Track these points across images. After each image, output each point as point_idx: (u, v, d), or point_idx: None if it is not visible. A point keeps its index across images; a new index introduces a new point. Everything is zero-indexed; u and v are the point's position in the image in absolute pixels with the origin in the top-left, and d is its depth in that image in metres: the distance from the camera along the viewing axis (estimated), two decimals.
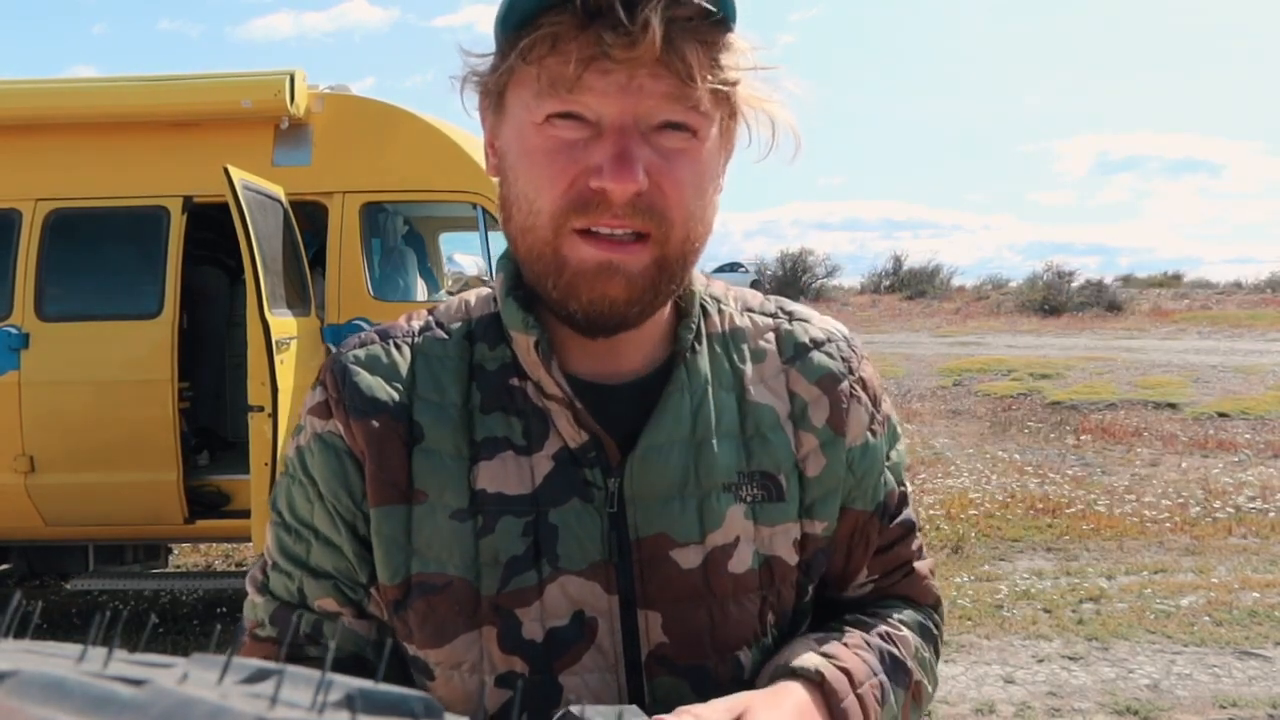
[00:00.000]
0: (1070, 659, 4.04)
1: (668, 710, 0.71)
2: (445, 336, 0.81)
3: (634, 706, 0.58)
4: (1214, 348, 13.67)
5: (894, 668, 0.79)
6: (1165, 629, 4.34)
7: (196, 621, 4.86)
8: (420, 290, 5.16)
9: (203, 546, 5.90)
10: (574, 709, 0.54)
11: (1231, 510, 6.36)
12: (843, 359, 0.85)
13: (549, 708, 0.74)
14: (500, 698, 0.75)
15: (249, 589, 0.82)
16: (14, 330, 4.39)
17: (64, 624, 4.75)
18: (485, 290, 0.86)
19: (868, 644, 0.79)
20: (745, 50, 0.72)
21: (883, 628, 0.82)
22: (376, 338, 0.82)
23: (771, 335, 0.85)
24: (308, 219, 4.80)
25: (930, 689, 0.85)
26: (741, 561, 0.77)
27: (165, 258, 4.48)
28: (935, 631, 0.88)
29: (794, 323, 0.86)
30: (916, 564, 0.88)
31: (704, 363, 0.81)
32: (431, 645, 0.76)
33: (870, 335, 16.81)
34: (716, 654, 0.76)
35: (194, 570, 5.59)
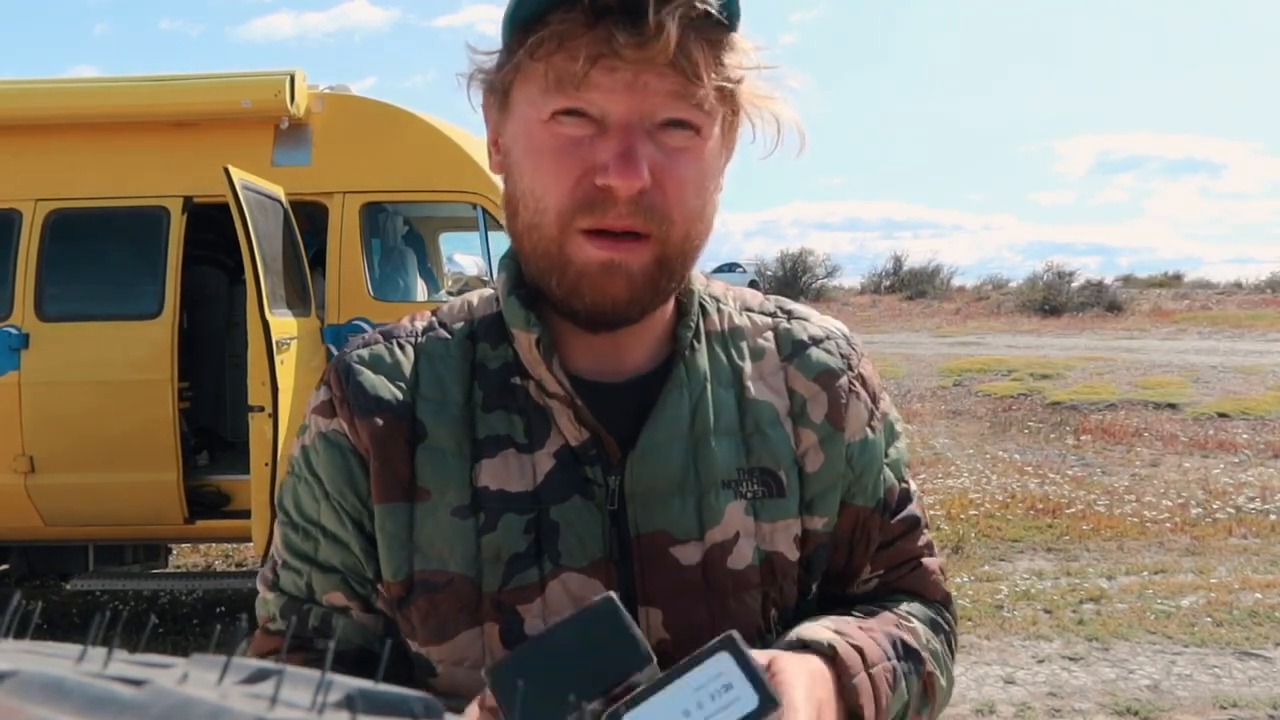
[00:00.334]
0: (1070, 659, 4.04)
1: None
2: (448, 336, 0.82)
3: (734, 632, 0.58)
4: (1214, 348, 13.67)
5: (906, 654, 0.79)
6: (1165, 629, 4.34)
7: (196, 622, 4.87)
8: (420, 290, 5.16)
9: (203, 547, 5.90)
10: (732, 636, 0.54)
11: (1232, 511, 6.36)
12: (841, 355, 0.85)
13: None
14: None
15: (259, 587, 0.83)
16: (14, 330, 4.39)
17: (64, 624, 4.75)
18: (488, 291, 0.86)
19: (880, 628, 0.79)
20: (749, 49, 0.73)
21: (893, 615, 0.82)
22: (380, 338, 0.83)
23: (770, 333, 0.85)
24: (308, 219, 4.80)
25: (944, 683, 0.84)
26: (741, 558, 0.77)
27: (165, 258, 4.48)
28: (946, 627, 0.88)
29: (793, 321, 0.87)
30: (924, 560, 0.88)
31: (703, 361, 0.82)
32: (434, 642, 0.76)
33: (870, 335, 16.81)
34: None
35: (194, 570, 5.59)
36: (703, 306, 0.85)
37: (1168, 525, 6.08)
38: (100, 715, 0.20)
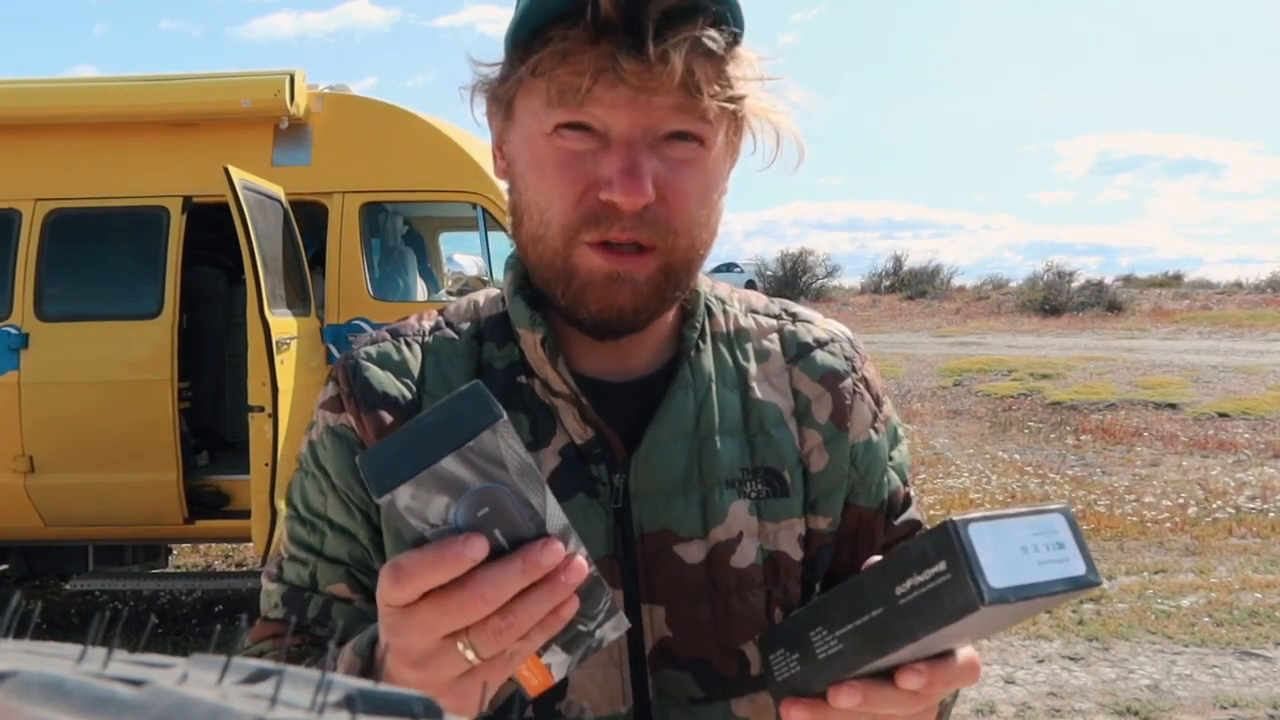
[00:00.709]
0: (1070, 659, 4.04)
1: (673, 705, 0.76)
2: (455, 336, 0.83)
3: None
4: (1214, 348, 13.68)
5: None
6: (1166, 629, 4.34)
7: (196, 622, 4.87)
8: (420, 290, 5.16)
9: (202, 547, 5.90)
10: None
11: (1232, 510, 6.36)
12: (845, 358, 0.86)
13: (552, 702, 0.75)
14: (505, 690, 0.76)
15: (264, 580, 0.84)
16: (14, 330, 4.39)
17: (63, 624, 4.75)
18: (494, 291, 0.87)
19: None
20: (752, 61, 0.73)
21: None
22: (388, 335, 0.84)
23: (775, 335, 0.86)
24: (308, 219, 4.80)
25: None
26: (745, 556, 0.78)
27: (165, 258, 4.48)
28: None
29: (798, 323, 0.87)
30: None
31: (708, 361, 0.82)
32: None
33: (870, 335, 16.82)
34: (720, 648, 0.77)
35: (193, 570, 5.59)
36: (708, 308, 0.85)
37: (1168, 525, 6.08)
38: (100, 715, 0.20)
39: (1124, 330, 16.58)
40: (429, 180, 4.65)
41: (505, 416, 0.51)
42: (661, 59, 0.67)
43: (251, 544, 4.34)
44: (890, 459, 0.87)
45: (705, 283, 0.86)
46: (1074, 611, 4.57)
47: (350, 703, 0.22)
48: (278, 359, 3.80)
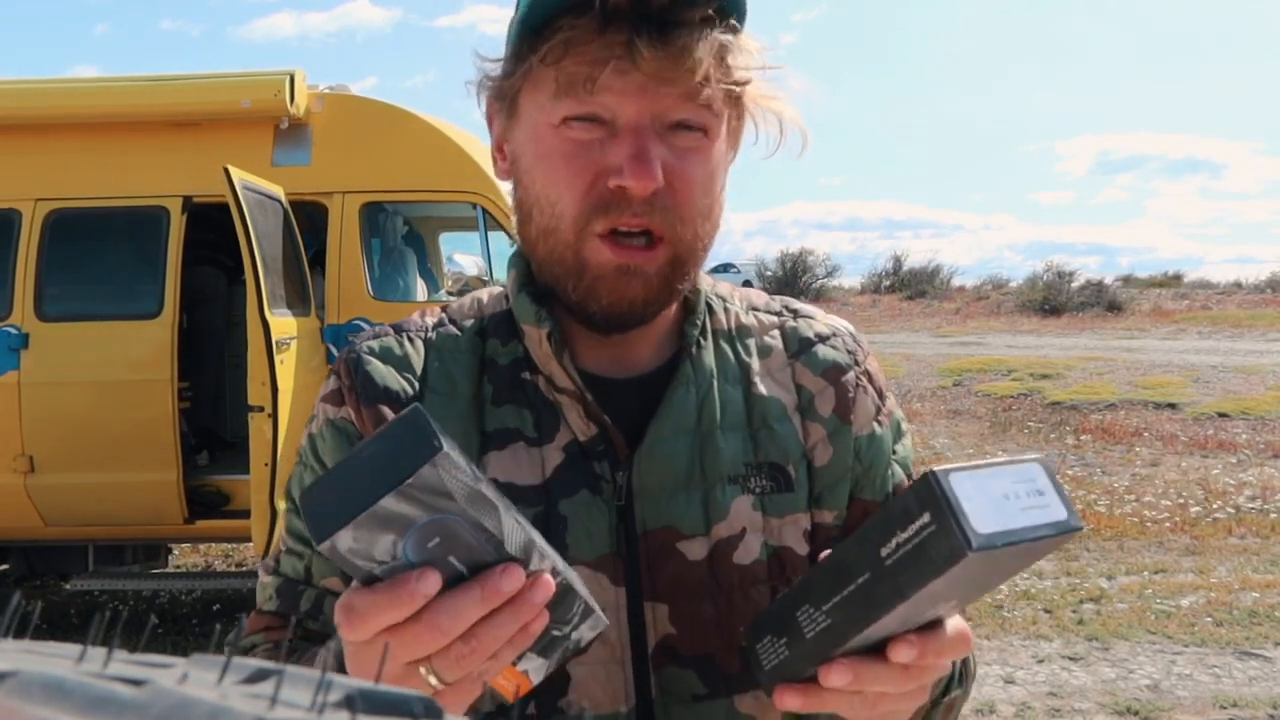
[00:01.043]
0: (1070, 659, 4.04)
1: (676, 702, 0.76)
2: (458, 333, 0.83)
3: None
4: (1214, 348, 13.67)
5: None
6: (1165, 629, 4.34)
7: (196, 622, 4.87)
8: (420, 290, 5.16)
9: (202, 547, 5.90)
10: None
11: (1231, 510, 6.36)
12: (848, 351, 0.86)
13: (554, 699, 0.75)
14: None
15: (261, 573, 0.84)
16: (14, 330, 4.39)
17: (63, 624, 4.75)
18: (497, 289, 0.87)
19: None
20: (754, 51, 0.74)
21: None
22: (391, 330, 0.84)
23: (777, 331, 0.86)
24: (308, 219, 4.80)
25: (973, 666, 0.85)
26: (749, 553, 0.78)
27: (165, 258, 4.48)
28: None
29: (799, 319, 0.88)
30: None
31: (709, 358, 0.82)
32: None
33: (870, 335, 16.79)
34: (724, 644, 0.77)
35: (193, 570, 5.59)
36: (709, 305, 0.86)
37: (1167, 525, 6.08)
38: (100, 715, 0.20)
39: (1124, 330, 16.58)
40: (429, 180, 4.65)
41: (445, 448, 0.48)
42: (682, 52, 0.68)
43: (251, 544, 4.34)
44: (894, 452, 0.87)
45: (706, 281, 0.86)
46: (1074, 611, 4.57)
47: (350, 703, 0.22)
48: (277, 359, 3.80)
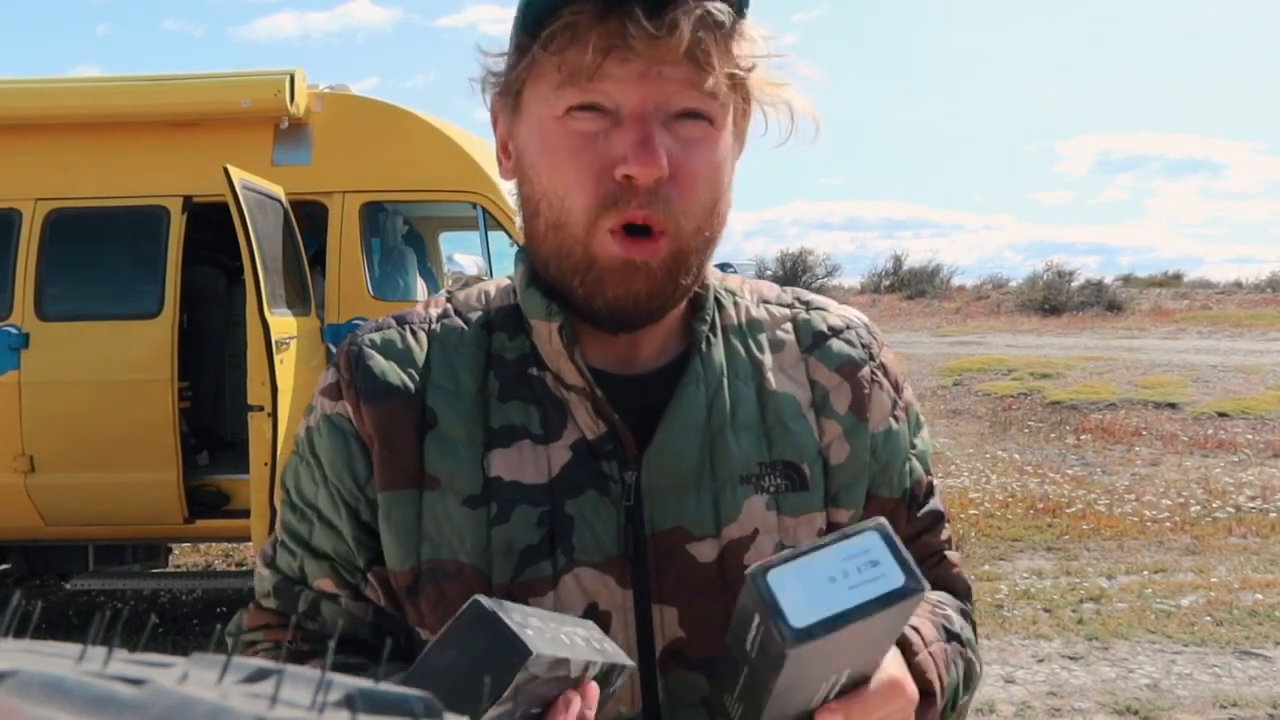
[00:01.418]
0: (1070, 659, 4.04)
1: (684, 706, 0.75)
2: (463, 325, 0.81)
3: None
4: (1214, 347, 13.67)
5: (949, 637, 0.79)
6: (1165, 629, 4.34)
7: (196, 621, 4.87)
8: (420, 290, 5.16)
9: (202, 546, 5.90)
10: (482, 599, 0.53)
11: (1232, 510, 6.36)
12: (862, 345, 0.84)
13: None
14: None
15: (258, 561, 0.84)
16: (14, 330, 4.39)
17: (63, 624, 4.75)
18: (504, 281, 0.86)
19: (924, 612, 0.79)
20: (758, 39, 0.73)
21: (927, 604, 0.82)
22: (394, 323, 0.82)
23: (789, 325, 0.84)
24: (308, 219, 4.80)
25: (979, 669, 0.84)
26: (760, 554, 0.75)
27: (165, 258, 4.49)
28: (973, 620, 0.88)
29: (811, 311, 0.86)
30: (947, 554, 0.87)
31: (719, 355, 0.81)
32: None
33: None
34: None
35: (194, 570, 5.59)
36: (718, 300, 0.84)
37: (1168, 524, 6.08)
38: (100, 715, 0.20)
39: (1124, 330, 16.58)
40: (429, 180, 4.65)
41: (532, 649, 0.49)
42: (669, 28, 0.67)
43: (251, 543, 4.34)
44: (913, 446, 0.85)
45: (715, 275, 0.84)
46: (1074, 611, 4.57)
47: (350, 702, 0.22)
48: (277, 359, 3.81)
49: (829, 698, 0.61)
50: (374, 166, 4.63)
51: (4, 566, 4.80)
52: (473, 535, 0.74)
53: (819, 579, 0.53)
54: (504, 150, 0.79)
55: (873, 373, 0.83)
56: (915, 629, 0.74)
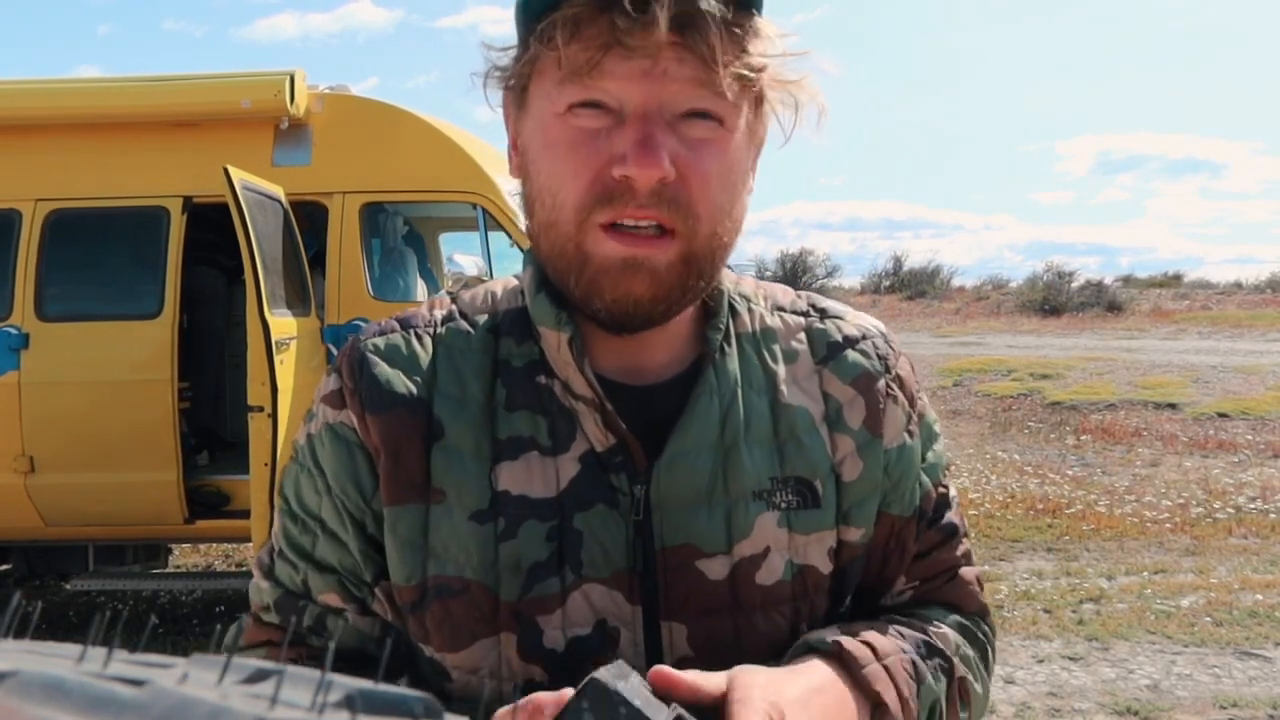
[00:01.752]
0: (1070, 659, 4.04)
1: None
2: (469, 330, 0.78)
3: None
4: (1214, 348, 13.67)
5: (929, 653, 0.76)
6: (1165, 629, 4.34)
7: (196, 622, 4.87)
8: (420, 290, 5.16)
9: (202, 547, 5.90)
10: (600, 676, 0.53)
11: (1232, 510, 6.36)
12: (879, 356, 0.82)
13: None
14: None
15: (255, 571, 0.81)
16: (14, 330, 4.39)
17: (63, 624, 4.75)
18: (511, 282, 0.83)
19: (899, 630, 0.77)
20: (772, 37, 0.70)
21: (917, 622, 0.80)
22: (398, 326, 0.79)
23: (803, 335, 0.82)
24: (308, 219, 4.80)
25: (979, 690, 0.81)
26: (771, 572, 0.74)
27: (165, 258, 4.49)
28: (983, 638, 0.84)
29: (826, 320, 0.83)
30: (961, 570, 0.84)
31: (733, 364, 0.78)
32: (449, 649, 0.73)
33: None
34: None
35: (194, 570, 5.59)
36: (732, 306, 0.81)
37: (1168, 525, 6.08)
38: (100, 715, 0.20)
39: (1124, 330, 16.57)
40: (429, 180, 4.65)
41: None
42: (685, 31, 0.64)
43: (251, 544, 4.34)
44: (925, 460, 0.83)
45: (729, 279, 0.81)
46: (1074, 611, 4.57)
47: (350, 702, 0.22)
48: (277, 359, 3.81)
49: None
50: (374, 167, 4.63)
51: (4, 567, 4.80)
52: (480, 551, 0.72)
53: None
54: (514, 147, 0.76)
55: (888, 386, 0.81)
56: (868, 643, 0.72)
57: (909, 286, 27.46)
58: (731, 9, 0.66)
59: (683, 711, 0.53)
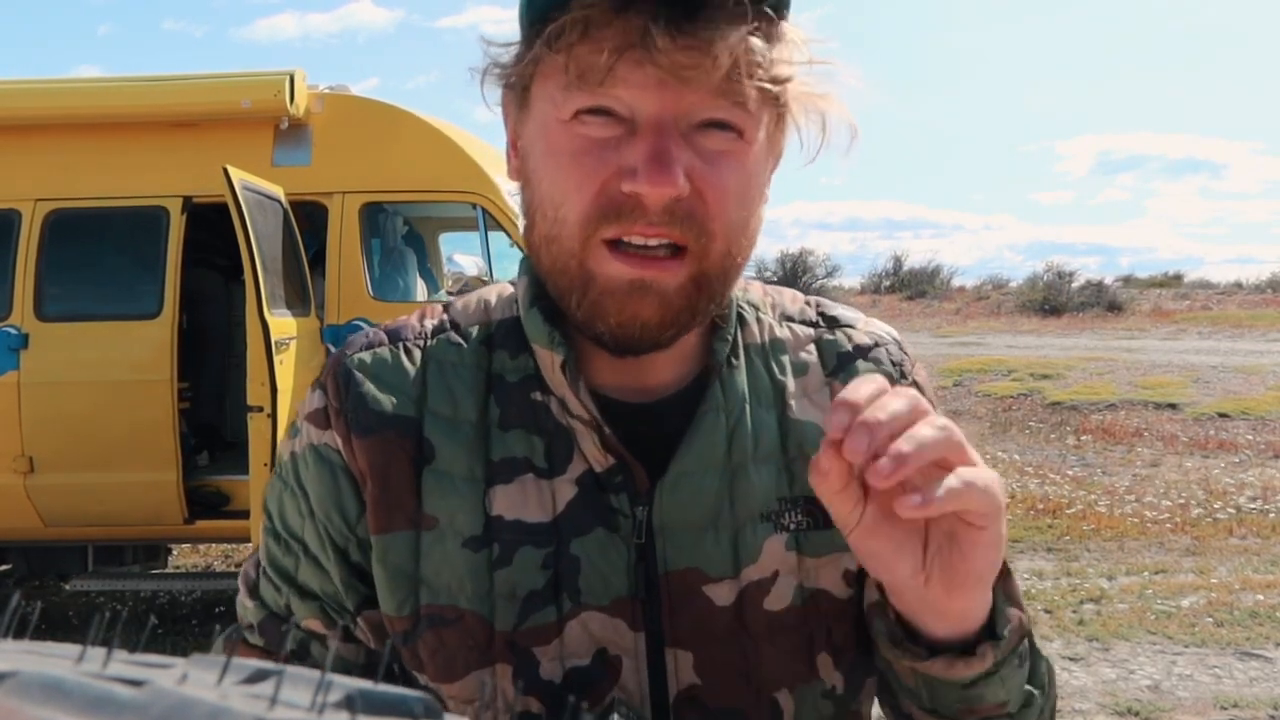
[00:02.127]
0: (1071, 659, 4.04)
1: None
2: (462, 342, 0.74)
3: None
4: (1214, 348, 13.67)
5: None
6: (1166, 630, 4.34)
7: (195, 622, 4.87)
8: (420, 290, 5.17)
9: (202, 547, 5.90)
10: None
11: (1232, 511, 6.36)
12: (893, 363, 0.78)
13: None
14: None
15: (241, 586, 0.78)
16: (13, 330, 4.39)
17: (63, 624, 4.75)
18: (507, 288, 0.78)
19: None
20: (798, 42, 0.65)
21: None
22: (385, 339, 0.75)
23: (813, 346, 0.78)
24: (307, 219, 4.80)
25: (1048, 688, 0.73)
26: (780, 598, 0.70)
27: (165, 258, 4.49)
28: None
29: (836, 331, 0.79)
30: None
31: (741, 379, 0.74)
32: (443, 680, 0.70)
33: None
34: (753, 696, 0.70)
35: (193, 571, 5.59)
36: (740, 315, 0.76)
37: (1168, 525, 6.08)
38: (100, 715, 0.20)
39: (1124, 330, 16.57)
40: (429, 180, 4.65)
41: None
42: (708, 38, 0.59)
43: (250, 544, 4.34)
44: None
45: (737, 286, 0.76)
46: (1074, 612, 4.57)
47: (350, 702, 0.22)
48: (277, 359, 3.81)
49: None
50: (374, 167, 4.63)
51: (4, 567, 4.80)
52: (474, 580, 0.69)
53: None
54: (513, 148, 0.72)
55: None
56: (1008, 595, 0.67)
57: (909, 286, 27.47)
58: (759, 13, 0.62)
59: None
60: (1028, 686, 0.69)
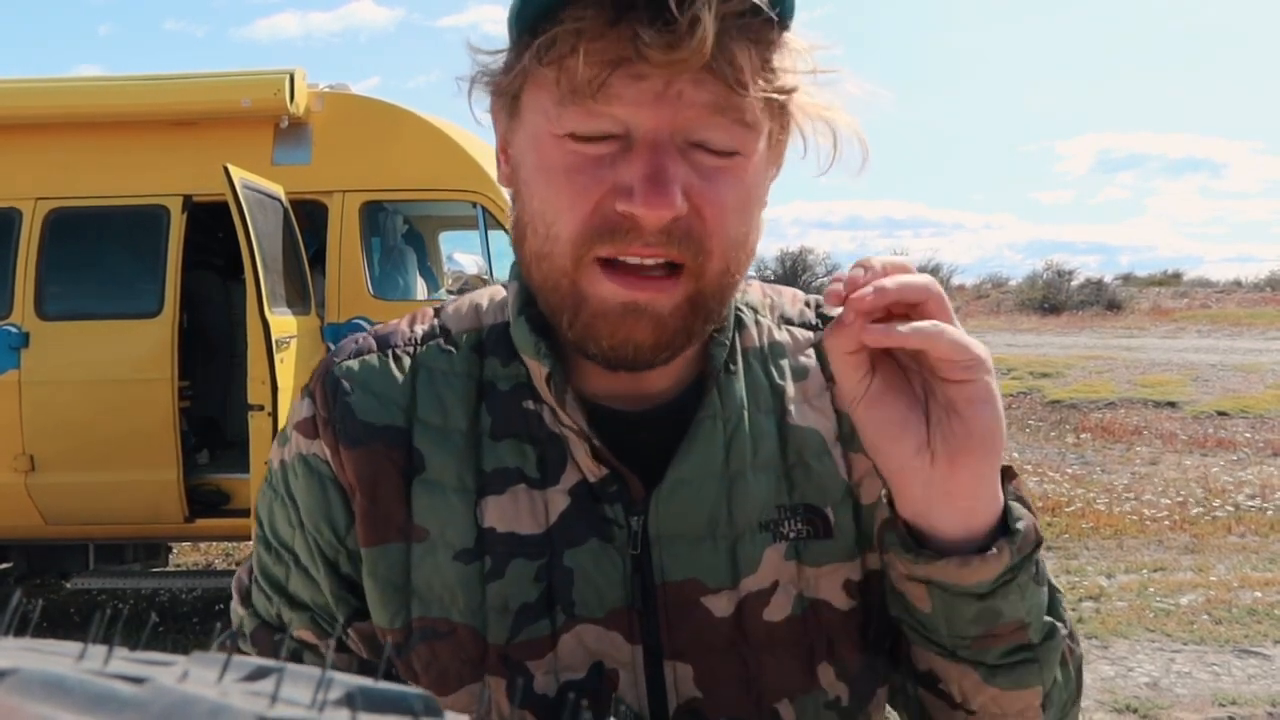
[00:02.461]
0: None
1: None
2: (452, 350, 0.72)
3: None
4: (1214, 346, 13.66)
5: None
6: (1165, 627, 4.34)
7: (196, 620, 4.87)
8: (420, 289, 5.16)
9: (202, 545, 5.90)
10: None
11: (1231, 508, 6.36)
12: None
13: None
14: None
15: (234, 592, 0.77)
16: (14, 329, 4.39)
17: (64, 623, 4.75)
18: (499, 292, 0.76)
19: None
20: (802, 51, 0.62)
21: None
22: (375, 345, 0.73)
23: (813, 350, 0.76)
24: (308, 218, 4.80)
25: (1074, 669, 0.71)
26: (779, 609, 0.69)
27: (165, 257, 4.49)
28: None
29: None
30: None
31: (739, 385, 0.72)
32: (436, 692, 0.68)
33: None
34: (754, 708, 0.68)
35: (194, 569, 5.59)
36: (739, 318, 0.74)
37: (1167, 523, 6.08)
38: (101, 713, 0.20)
39: (1123, 329, 16.56)
40: (429, 179, 4.65)
41: None
42: (690, 27, 0.55)
43: (250, 543, 4.34)
44: None
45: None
46: (1073, 610, 4.57)
47: (350, 700, 0.22)
48: (277, 358, 3.81)
49: None
50: (374, 166, 4.63)
51: (5, 565, 4.80)
52: (466, 593, 0.67)
53: None
54: (503, 153, 0.69)
55: None
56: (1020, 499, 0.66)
57: None
58: (760, 22, 0.59)
59: None
60: (1048, 617, 0.66)
